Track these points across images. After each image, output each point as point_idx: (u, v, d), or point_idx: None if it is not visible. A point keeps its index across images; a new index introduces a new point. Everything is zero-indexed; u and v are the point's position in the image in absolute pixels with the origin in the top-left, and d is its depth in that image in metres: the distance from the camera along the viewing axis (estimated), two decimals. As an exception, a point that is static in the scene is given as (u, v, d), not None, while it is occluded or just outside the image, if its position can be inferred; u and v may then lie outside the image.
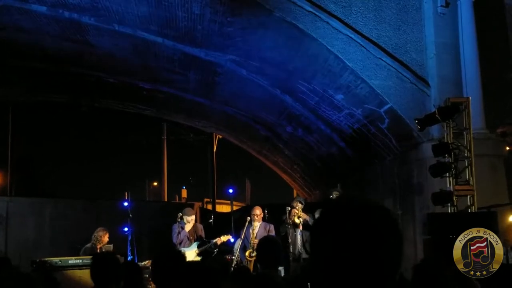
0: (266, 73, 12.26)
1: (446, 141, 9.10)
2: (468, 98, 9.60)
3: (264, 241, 4.90)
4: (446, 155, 8.99)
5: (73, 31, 11.34)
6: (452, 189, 8.90)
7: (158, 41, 11.61)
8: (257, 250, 4.98)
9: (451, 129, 9.22)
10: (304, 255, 10.09)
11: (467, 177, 9.08)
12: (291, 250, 10.10)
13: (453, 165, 8.94)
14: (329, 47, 10.53)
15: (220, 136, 20.04)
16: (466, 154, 9.16)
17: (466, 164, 9.16)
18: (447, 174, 9.02)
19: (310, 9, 10.25)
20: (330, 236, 1.40)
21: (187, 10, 10.45)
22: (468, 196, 8.99)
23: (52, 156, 24.88)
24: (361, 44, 10.67)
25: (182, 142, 22.52)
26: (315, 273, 1.42)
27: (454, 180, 8.95)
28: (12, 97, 15.46)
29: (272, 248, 4.60)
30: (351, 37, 10.60)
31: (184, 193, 27.63)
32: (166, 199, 24.65)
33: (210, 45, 11.58)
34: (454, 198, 8.79)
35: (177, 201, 26.72)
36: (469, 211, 8.83)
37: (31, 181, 19.70)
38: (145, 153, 26.89)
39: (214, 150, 20.33)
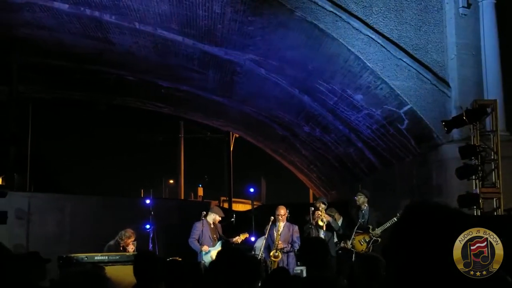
0: (285, 73, 12.26)
1: (472, 143, 9.04)
2: (495, 100, 9.51)
3: (311, 241, 4.76)
4: (473, 157, 8.93)
5: (94, 28, 11.44)
6: (478, 191, 8.84)
7: (178, 40, 11.66)
8: (301, 250, 4.88)
9: (478, 131, 9.16)
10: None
11: (494, 180, 9.01)
12: (314, 250, 10.04)
13: (479, 168, 8.88)
14: (349, 47, 10.52)
15: (237, 135, 20.06)
16: (493, 157, 9.10)
17: (493, 167, 9.09)
18: (473, 177, 8.95)
19: (331, 9, 10.24)
20: (424, 241, 1.43)
21: (208, 9, 10.49)
22: (494, 199, 8.94)
23: (70, 152, 25.08)
24: (381, 45, 10.63)
25: (199, 140, 22.63)
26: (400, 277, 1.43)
27: (480, 182, 8.89)
28: (31, 94, 15.58)
29: (319, 248, 4.49)
30: (371, 38, 10.57)
31: (200, 191, 27.66)
32: (182, 197, 24.77)
33: (229, 44, 11.61)
34: (480, 200, 8.73)
35: (193, 199, 26.79)
36: (495, 213, 8.77)
37: (49, 178, 19.84)
38: (162, 151, 27.03)
39: (231, 148, 20.36)
